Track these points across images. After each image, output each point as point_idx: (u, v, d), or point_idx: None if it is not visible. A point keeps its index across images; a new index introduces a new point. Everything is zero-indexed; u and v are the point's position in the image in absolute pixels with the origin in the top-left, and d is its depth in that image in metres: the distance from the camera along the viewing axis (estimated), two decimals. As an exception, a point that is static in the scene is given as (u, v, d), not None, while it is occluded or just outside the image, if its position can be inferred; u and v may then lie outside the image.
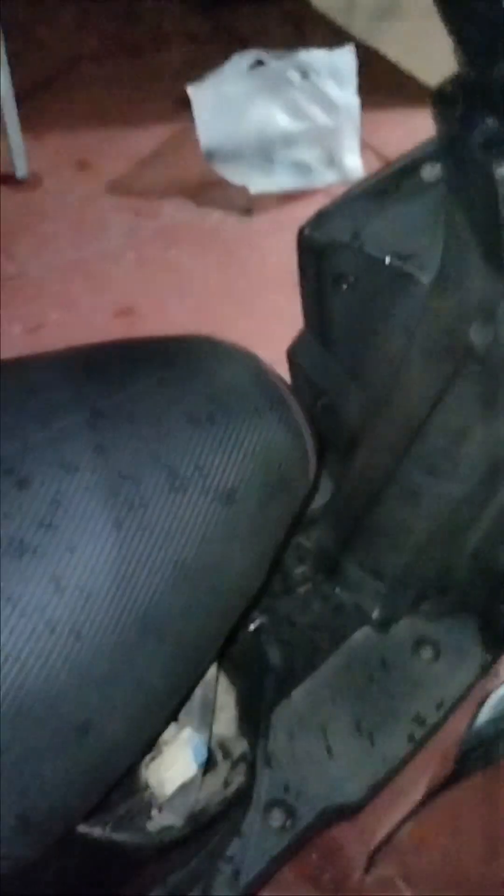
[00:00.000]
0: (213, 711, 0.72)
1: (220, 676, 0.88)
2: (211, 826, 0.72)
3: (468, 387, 0.82)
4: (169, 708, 0.57)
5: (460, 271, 0.82)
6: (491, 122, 0.72)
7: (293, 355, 1.05)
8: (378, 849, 1.00)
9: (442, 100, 0.75)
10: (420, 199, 0.86)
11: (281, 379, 0.66)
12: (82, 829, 0.58)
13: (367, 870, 1.03)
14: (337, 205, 0.88)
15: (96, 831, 0.58)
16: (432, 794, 0.98)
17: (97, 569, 0.49)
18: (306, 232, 0.88)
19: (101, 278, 1.80)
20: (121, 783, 0.62)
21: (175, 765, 0.66)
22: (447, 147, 0.82)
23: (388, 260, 0.88)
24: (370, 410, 0.98)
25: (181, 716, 0.69)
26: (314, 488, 0.69)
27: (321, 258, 0.89)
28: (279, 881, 1.02)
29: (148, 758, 0.66)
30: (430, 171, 0.85)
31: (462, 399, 0.83)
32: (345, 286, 0.92)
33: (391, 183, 0.87)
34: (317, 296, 0.94)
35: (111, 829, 0.59)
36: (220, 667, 0.88)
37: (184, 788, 0.66)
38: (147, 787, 0.65)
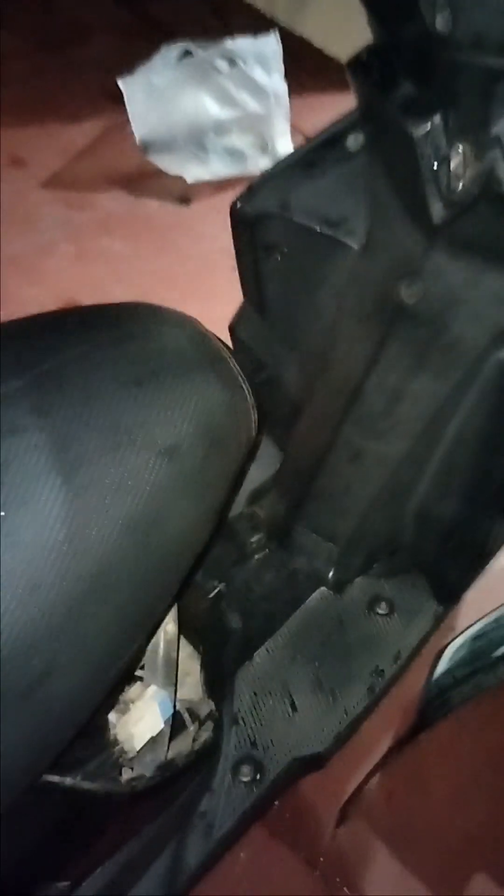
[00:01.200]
0: (176, 669, 0.74)
1: (183, 643, 0.90)
2: (180, 778, 0.74)
3: (401, 346, 0.85)
4: (125, 657, 0.59)
5: (386, 233, 0.85)
6: (407, 86, 0.75)
7: (235, 330, 1.07)
8: (348, 804, 1.03)
9: (358, 67, 0.77)
10: (345, 167, 0.89)
11: (219, 340, 0.68)
12: (53, 779, 0.59)
13: (338, 825, 1.05)
14: (266, 177, 0.91)
15: (67, 780, 0.60)
16: (398, 747, 1.01)
17: (48, 524, 0.51)
18: (238, 205, 0.90)
19: (39, 272, 1.80)
20: (91, 737, 0.64)
21: (143, 720, 0.67)
22: (367, 113, 0.85)
23: (317, 228, 0.90)
24: (309, 378, 1.01)
25: (146, 675, 0.71)
26: (256, 443, 0.71)
27: (253, 230, 0.92)
28: (254, 841, 1.04)
29: (116, 715, 0.68)
30: (354, 141, 0.87)
31: (396, 359, 0.86)
32: (278, 256, 0.94)
33: (317, 154, 0.89)
34: (252, 268, 0.97)
35: (81, 779, 0.61)
36: (182, 634, 0.90)
37: (152, 743, 0.68)
38: (116, 742, 0.67)
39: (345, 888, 1.02)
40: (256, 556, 1.03)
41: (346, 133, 0.87)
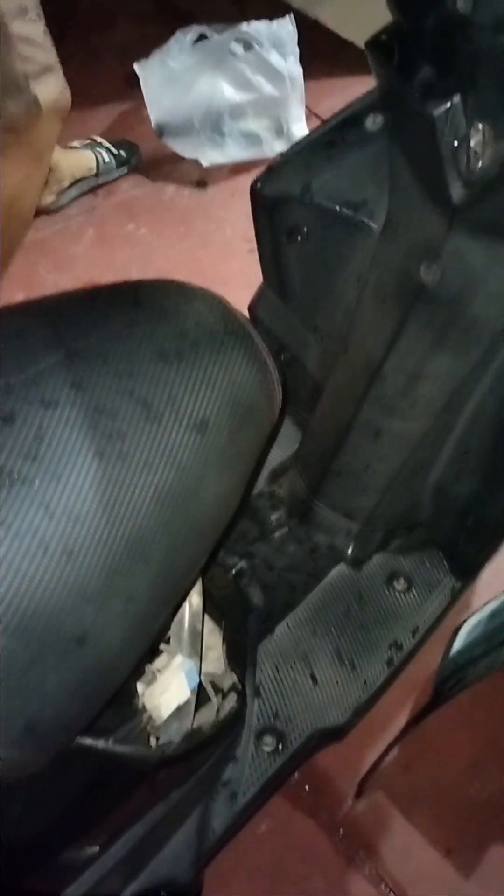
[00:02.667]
0: (201, 640, 0.76)
1: (206, 619, 0.92)
2: (206, 746, 0.76)
3: (420, 326, 0.86)
4: (157, 623, 0.61)
5: (406, 215, 0.86)
6: (426, 67, 0.76)
7: (254, 311, 1.08)
8: (366, 776, 1.05)
9: (377, 48, 0.78)
10: (365, 148, 0.90)
11: (246, 318, 0.69)
12: (87, 742, 0.62)
13: (357, 796, 1.08)
14: (286, 159, 0.92)
15: (100, 744, 0.62)
16: (414, 721, 1.03)
17: (82, 495, 0.53)
18: (258, 187, 0.92)
19: (63, 257, 1.82)
20: (120, 705, 0.66)
21: (169, 689, 0.70)
22: (387, 96, 0.86)
23: (338, 209, 0.91)
24: (329, 359, 1.02)
25: (172, 646, 0.73)
26: (280, 420, 0.73)
27: (274, 212, 0.93)
28: (276, 813, 1.07)
29: (143, 685, 0.70)
30: (373, 122, 0.88)
31: (415, 339, 0.87)
32: (298, 238, 0.96)
33: (336, 135, 0.90)
34: (272, 250, 0.98)
35: (114, 743, 0.63)
36: (205, 609, 0.93)
37: (178, 712, 0.70)
38: (144, 710, 0.69)
39: (363, 855, 1.05)
40: (277, 534, 1.05)
41: (365, 114, 0.88)
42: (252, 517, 1.06)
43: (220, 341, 0.63)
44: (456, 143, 0.75)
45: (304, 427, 1.11)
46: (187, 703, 0.71)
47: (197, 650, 0.74)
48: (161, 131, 2.02)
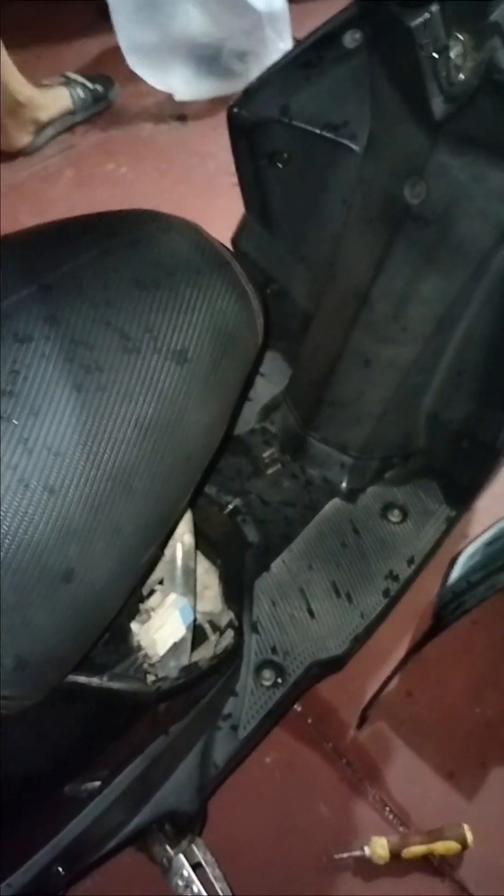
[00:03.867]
0: (195, 578, 0.75)
1: (201, 558, 0.92)
2: (204, 681, 0.76)
3: (407, 248, 0.84)
4: (145, 556, 0.60)
5: (389, 133, 0.83)
6: None
7: (237, 243, 1.06)
8: (368, 706, 1.06)
9: None
10: (344, 66, 0.86)
11: (223, 245, 0.67)
12: (82, 679, 0.61)
13: (359, 726, 1.09)
14: (263, 80, 0.88)
15: (94, 681, 0.62)
16: (414, 650, 1.04)
17: (61, 429, 0.52)
18: (235, 111, 0.88)
19: (43, 199, 1.77)
20: (115, 644, 0.66)
21: (164, 627, 0.69)
22: (365, 10, 0.82)
23: (318, 131, 0.88)
24: (318, 288, 1.00)
25: (166, 585, 0.72)
26: (264, 346, 0.71)
27: (253, 136, 0.90)
28: (280, 745, 1.08)
29: (139, 623, 0.70)
30: (351, 38, 0.85)
31: (402, 261, 0.85)
32: (279, 163, 0.93)
33: (314, 54, 0.87)
34: (253, 177, 0.95)
35: (109, 679, 0.63)
36: (200, 549, 0.92)
37: (175, 648, 0.70)
38: (140, 648, 0.69)
39: (367, 782, 1.06)
40: (270, 470, 1.04)
41: (343, 31, 0.85)
42: (245, 454, 1.05)
43: (198, 269, 0.61)
44: (436, 55, 0.73)
45: (295, 361, 1.09)
46: (183, 640, 0.71)
47: (191, 588, 0.74)
48: (134, 64, 1.96)
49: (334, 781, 1.07)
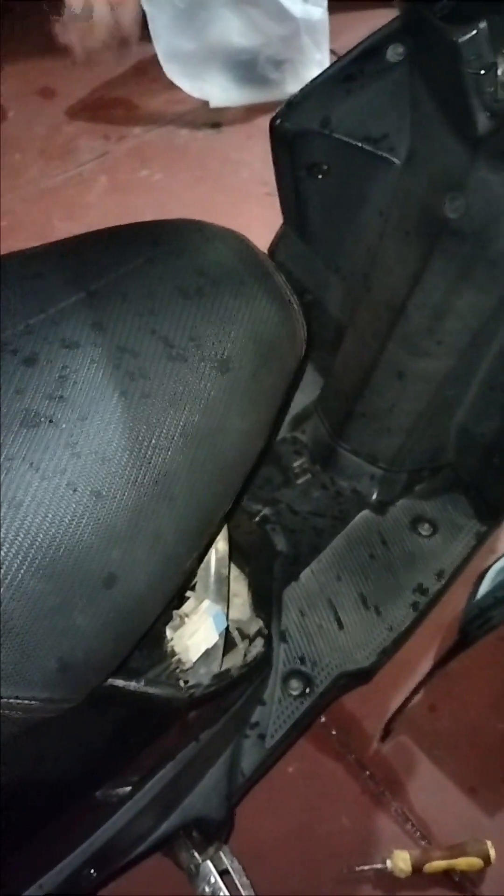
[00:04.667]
0: (228, 585, 0.76)
1: (231, 566, 0.92)
2: (234, 690, 0.77)
3: (444, 262, 0.84)
4: (184, 564, 0.61)
5: (429, 147, 0.83)
6: None
7: (274, 253, 1.06)
8: (392, 719, 1.06)
9: None
10: (386, 80, 0.87)
11: (266, 256, 0.68)
12: (119, 683, 0.62)
13: (383, 739, 1.09)
14: (305, 93, 0.89)
15: (132, 685, 0.63)
16: (440, 664, 1.03)
17: (108, 435, 0.52)
18: (277, 122, 0.89)
19: (77, 205, 1.79)
20: (150, 649, 0.67)
21: (197, 633, 0.70)
22: (409, 24, 0.82)
23: (359, 144, 0.89)
24: (352, 300, 1.00)
25: (199, 591, 0.73)
26: (305, 357, 0.71)
27: (294, 148, 0.90)
28: (304, 755, 1.08)
29: (171, 629, 0.70)
30: (394, 52, 0.85)
31: (440, 275, 0.85)
32: (319, 175, 0.93)
33: (356, 67, 0.87)
34: (293, 188, 0.95)
35: (145, 684, 0.64)
36: (230, 556, 0.92)
37: (206, 655, 0.71)
38: (173, 654, 0.69)
39: (389, 795, 1.06)
40: (300, 480, 1.04)
41: (386, 45, 0.85)
42: (275, 463, 1.05)
43: (241, 279, 0.62)
44: (482, 72, 0.73)
45: (327, 372, 1.10)
46: (215, 646, 0.71)
47: (224, 595, 0.74)
48: (171, 72, 1.97)
49: (357, 793, 1.07)
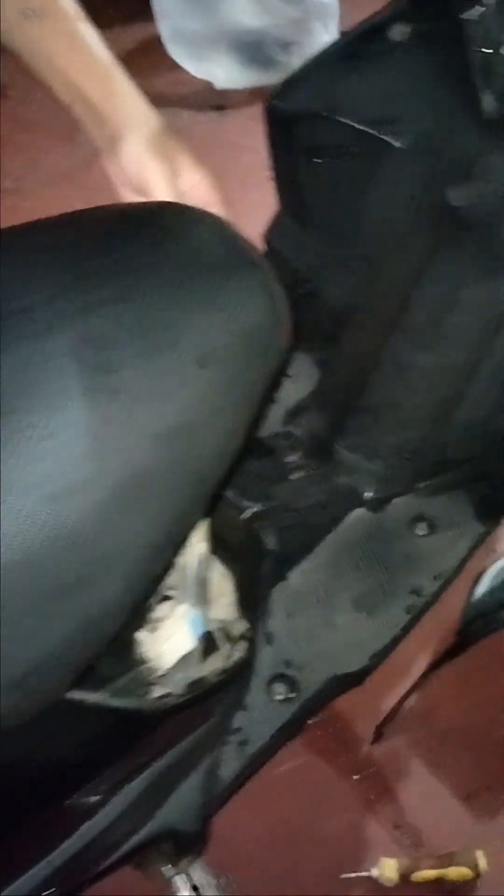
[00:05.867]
0: (207, 587, 0.72)
1: (216, 564, 0.89)
2: (211, 696, 0.73)
3: (452, 252, 0.80)
4: (158, 567, 0.58)
5: (436, 131, 0.79)
6: None
7: (270, 240, 1.02)
8: (385, 722, 1.03)
9: None
10: (391, 60, 0.83)
11: (251, 244, 0.64)
12: (80, 695, 0.59)
13: (375, 741, 1.06)
14: (304, 71, 0.85)
15: (93, 697, 0.60)
16: (435, 666, 1.01)
17: (70, 434, 0.48)
18: (273, 102, 0.85)
19: (93, 186, 1.74)
20: (119, 655, 0.64)
21: (172, 638, 0.66)
22: (416, 2, 0.79)
23: (362, 127, 0.85)
24: (353, 290, 0.96)
25: (177, 594, 0.69)
26: (290, 354, 0.67)
27: (291, 130, 0.86)
28: (292, 757, 1.06)
29: (146, 632, 0.67)
30: (400, 31, 0.81)
31: (446, 266, 0.81)
32: (318, 159, 0.89)
33: (360, 46, 0.83)
34: (290, 172, 0.91)
35: (110, 696, 0.60)
36: (216, 555, 0.89)
37: (183, 661, 0.67)
38: (145, 661, 0.66)
39: (380, 800, 1.03)
40: (294, 476, 1.01)
41: (391, 23, 0.81)
42: (268, 458, 1.02)
43: (224, 268, 0.58)
44: (489, 52, 0.69)
45: (324, 364, 1.06)
46: (192, 652, 0.68)
47: (204, 598, 0.71)
48: (175, 53, 1.93)
49: (346, 797, 1.04)
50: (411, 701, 1.02)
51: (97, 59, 0.89)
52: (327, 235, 0.96)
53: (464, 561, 0.97)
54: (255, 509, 0.96)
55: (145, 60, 1.97)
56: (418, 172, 0.82)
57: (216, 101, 1.94)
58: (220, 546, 0.91)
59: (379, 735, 1.05)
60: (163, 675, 0.66)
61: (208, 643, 0.80)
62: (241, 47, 1.95)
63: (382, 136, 0.84)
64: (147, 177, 0.82)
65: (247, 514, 0.95)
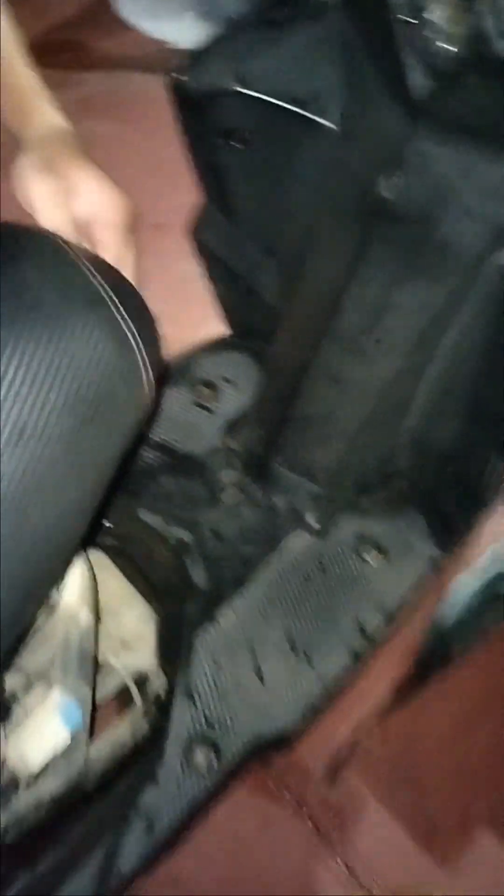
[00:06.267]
0: (94, 664, 0.62)
1: (137, 602, 0.79)
2: (104, 790, 0.64)
3: (384, 249, 0.70)
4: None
5: (363, 113, 0.68)
6: None
7: (198, 236, 0.91)
8: (342, 760, 0.95)
9: None
10: (315, 28, 0.71)
11: (105, 270, 0.51)
12: None
13: (326, 776, 0.97)
14: (217, 43, 0.73)
15: None
16: (397, 699, 0.92)
17: None
18: (180, 79, 0.73)
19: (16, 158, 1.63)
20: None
21: (39, 734, 0.56)
22: None
23: (285, 105, 0.73)
24: (288, 286, 0.85)
25: (54, 674, 0.59)
26: (154, 401, 0.56)
27: (205, 110, 0.75)
28: (233, 797, 0.97)
29: (7, 729, 0.57)
30: None
31: (379, 264, 0.71)
32: (238, 143, 0.78)
33: (280, 13, 0.72)
34: (207, 159, 0.80)
35: None
36: (138, 589, 0.80)
37: (64, 756, 0.57)
38: (3, 764, 0.55)
39: (331, 840, 0.95)
40: (228, 497, 0.91)
41: None
42: (200, 477, 0.92)
43: (56, 310, 0.46)
44: (416, 21, 0.57)
45: (264, 370, 0.95)
46: (69, 747, 0.58)
47: (88, 677, 0.60)
48: (126, 10, 1.80)
49: (295, 838, 0.96)
50: (366, 732, 0.94)
51: (10, 68, 0.80)
52: (255, 227, 0.85)
53: (416, 589, 0.87)
54: (181, 538, 0.86)
55: (94, 21, 1.83)
56: (348, 158, 0.71)
57: (170, 63, 1.80)
58: (143, 582, 0.81)
59: (331, 770, 0.97)
60: (33, 776, 0.56)
61: (122, 698, 0.71)
62: (197, 4, 1.82)
63: (310, 115, 0.73)
64: (30, 196, 0.71)
65: (172, 544, 0.85)
